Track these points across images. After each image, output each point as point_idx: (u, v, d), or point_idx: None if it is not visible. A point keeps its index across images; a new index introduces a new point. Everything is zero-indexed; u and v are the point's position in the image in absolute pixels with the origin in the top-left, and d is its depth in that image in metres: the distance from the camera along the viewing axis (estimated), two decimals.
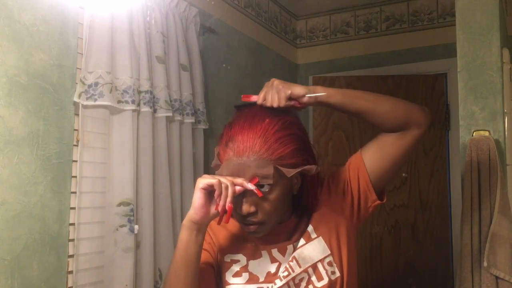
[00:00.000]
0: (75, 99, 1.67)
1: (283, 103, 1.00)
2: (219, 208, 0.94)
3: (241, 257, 1.06)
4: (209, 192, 0.95)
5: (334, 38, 3.39)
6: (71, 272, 1.65)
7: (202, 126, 2.24)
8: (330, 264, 1.04)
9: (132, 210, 1.78)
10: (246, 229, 1.01)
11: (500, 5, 1.86)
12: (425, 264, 2.99)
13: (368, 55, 3.25)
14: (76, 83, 1.70)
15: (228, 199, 0.93)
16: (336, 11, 3.37)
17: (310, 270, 1.03)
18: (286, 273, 1.02)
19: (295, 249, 1.05)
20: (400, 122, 1.06)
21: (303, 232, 1.07)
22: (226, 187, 0.93)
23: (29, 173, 1.52)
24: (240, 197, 0.97)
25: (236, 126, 0.99)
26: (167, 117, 1.99)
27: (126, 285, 1.74)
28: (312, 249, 1.03)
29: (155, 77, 1.96)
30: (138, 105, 1.86)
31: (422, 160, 3.03)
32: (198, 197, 0.95)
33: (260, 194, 0.95)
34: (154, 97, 1.94)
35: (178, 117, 2.05)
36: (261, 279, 1.02)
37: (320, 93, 1.02)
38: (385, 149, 1.08)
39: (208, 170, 2.26)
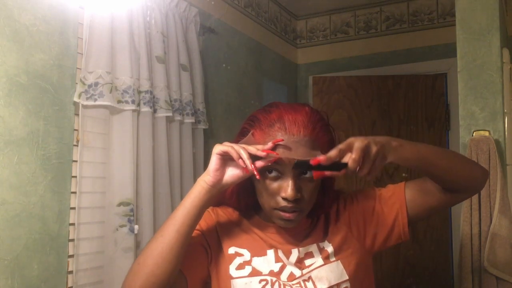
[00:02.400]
0: (75, 99, 1.67)
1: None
2: (248, 166, 0.91)
3: (245, 252, 1.04)
4: (224, 159, 0.95)
5: (334, 38, 3.39)
6: (71, 272, 1.65)
7: (202, 126, 2.24)
8: None
9: (132, 210, 1.78)
10: (282, 217, 0.97)
11: (500, 5, 1.86)
12: (425, 264, 2.98)
13: (368, 55, 3.25)
14: (76, 83, 1.70)
15: (247, 157, 0.91)
16: (336, 11, 3.37)
17: None
18: None
19: (300, 253, 1.04)
20: (459, 185, 1.00)
21: (317, 242, 1.05)
22: (239, 150, 0.92)
23: (29, 173, 1.52)
24: (286, 182, 0.95)
25: (277, 111, 0.98)
26: (167, 117, 1.99)
27: None
28: (330, 271, 1.01)
29: (155, 77, 1.96)
30: (138, 105, 1.86)
31: None
32: (213, 162, 0.95)
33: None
34: (154, 97, 1.94)
35: (178, 117, 2.05)
36: (264, 273, 1.01)
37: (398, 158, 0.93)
38: (428, 198, 1.04)
39: None
